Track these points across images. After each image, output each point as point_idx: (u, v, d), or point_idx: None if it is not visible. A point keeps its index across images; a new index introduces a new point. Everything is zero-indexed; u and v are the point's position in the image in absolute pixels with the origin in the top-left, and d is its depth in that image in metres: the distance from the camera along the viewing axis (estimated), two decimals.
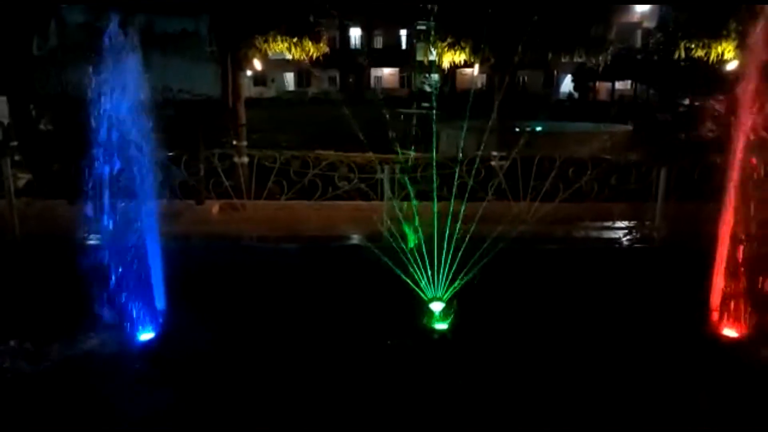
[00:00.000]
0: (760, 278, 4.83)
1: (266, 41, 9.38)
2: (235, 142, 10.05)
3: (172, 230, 5.66)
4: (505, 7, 8.25)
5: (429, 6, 10.03)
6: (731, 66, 9.65)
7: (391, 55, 47.40)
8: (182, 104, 10.23)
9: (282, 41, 9.38)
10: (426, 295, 5.17)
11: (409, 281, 5.13)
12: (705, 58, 9.53)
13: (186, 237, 7.06)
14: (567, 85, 38.60)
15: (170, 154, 8.98)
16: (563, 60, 15.04)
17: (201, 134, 9.21)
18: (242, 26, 9.16)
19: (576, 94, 37.45)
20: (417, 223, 5.39)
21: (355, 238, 6.55)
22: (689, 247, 5.75)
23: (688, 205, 6.94)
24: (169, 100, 9.24)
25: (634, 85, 40.46)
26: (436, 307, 5.14)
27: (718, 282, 5.07)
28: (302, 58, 9.85)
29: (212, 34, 10.55)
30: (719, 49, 9.48)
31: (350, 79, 47.39)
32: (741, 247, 4.94)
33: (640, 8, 41.81)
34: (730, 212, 5.06)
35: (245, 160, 9.82)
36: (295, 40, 9.36)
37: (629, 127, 15.86)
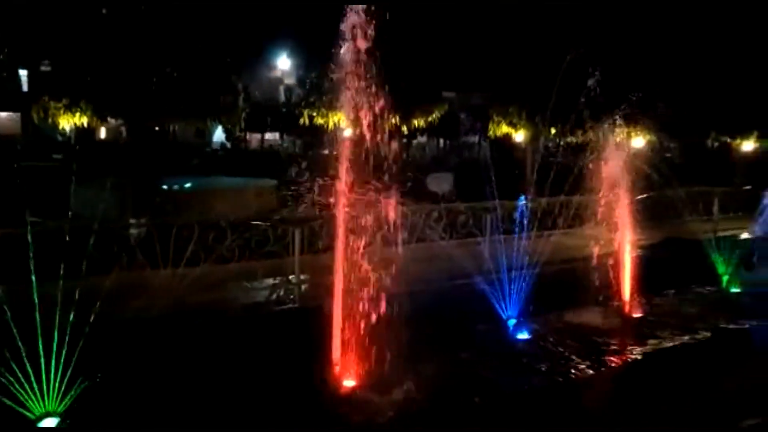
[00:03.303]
0: (369, 331, 5.58)
1: None
2: None
3: None
4: (126, 70, 7.89)
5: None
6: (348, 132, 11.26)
7: (8, 97, 40.13)
8: None
9: None
10: (33, 412, 4.34)
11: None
12: (325, 125, 10.99)
13: None
14: (219, 135, 39.23)
15: None
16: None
17: None
18: None
19: (228, 144, 38.34)
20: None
21: None
22: (321, 303, 6.30)
23: (321, 257, 7.61)
24: None
25: (281, 135, 43.78)
26: (50, 422, 4.36)
27: (336, 336, 5.69)
28: None
29: None
30: (335, 118, 11.03)
31: None
32: (350, 302, 5.65)
33: (282, 66, 45.81)
34: (339, 270, 5.76)
35: None
36: None
37: (275, 182, 16.77)
